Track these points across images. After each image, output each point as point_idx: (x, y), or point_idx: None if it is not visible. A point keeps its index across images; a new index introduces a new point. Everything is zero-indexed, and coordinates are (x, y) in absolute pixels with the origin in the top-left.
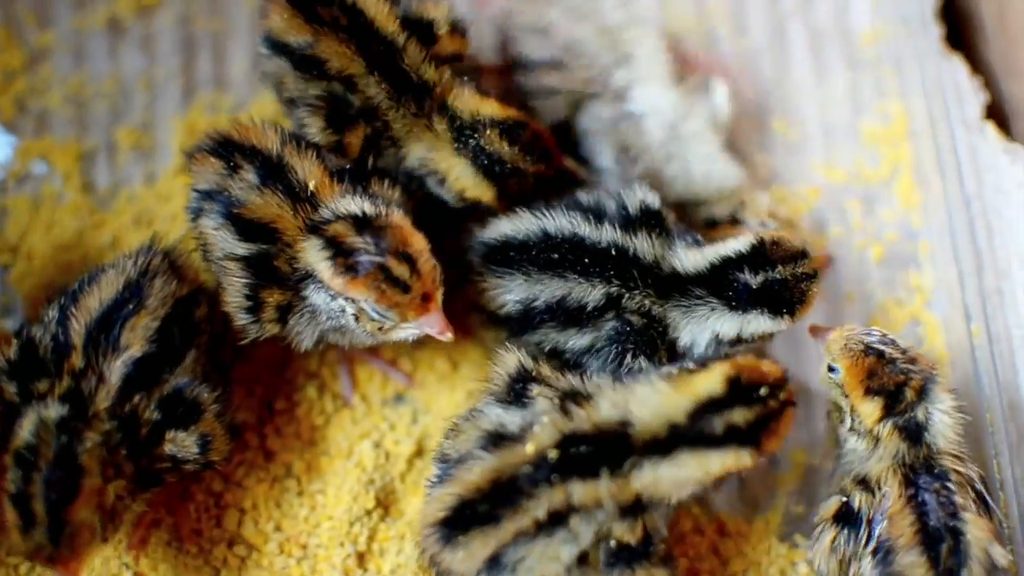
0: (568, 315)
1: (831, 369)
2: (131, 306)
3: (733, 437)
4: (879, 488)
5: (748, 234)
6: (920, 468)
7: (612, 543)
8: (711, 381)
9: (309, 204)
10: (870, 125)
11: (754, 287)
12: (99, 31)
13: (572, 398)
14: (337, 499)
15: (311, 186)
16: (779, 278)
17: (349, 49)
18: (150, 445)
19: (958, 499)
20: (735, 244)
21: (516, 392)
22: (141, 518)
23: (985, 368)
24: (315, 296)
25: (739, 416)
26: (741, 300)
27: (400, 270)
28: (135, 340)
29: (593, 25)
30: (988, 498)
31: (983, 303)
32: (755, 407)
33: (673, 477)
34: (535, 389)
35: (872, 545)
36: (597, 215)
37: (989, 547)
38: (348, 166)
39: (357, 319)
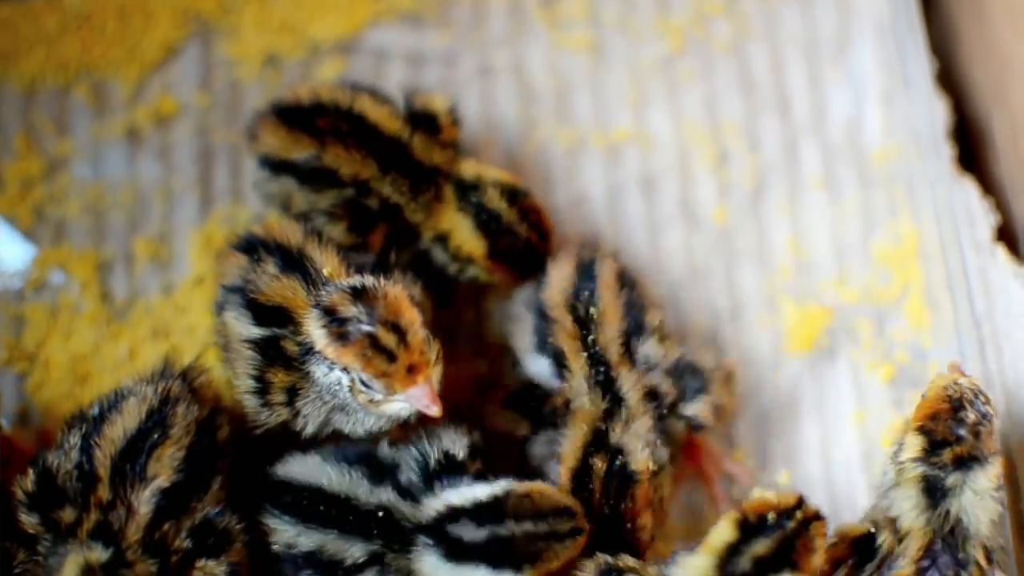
0: (324, 568)
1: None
2: (156, 436)
3: (766, 568)
4: (903, 540)
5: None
6: (947, 546)
7: None
8: (722, 531)
9: (323, 287)
10: (881, 244)
11: (468, 541)
12: (117, 140)
13: None
14: None
15: (326, 272)
16: (506, 534)
17: (359, 154)
18: (179, 573)
19: None
20: (471, 492)
21: None
22: None
23: None
24: (316, 369)
25: (761, 547)
26: (455, 552)
27: (387, 339)
28: (162, 470)
29: None
30: None
31: None
32: (773, 534)
33: None
34: None
35: None
36: (380, 475)
37: None
38: (369, 262)
39: (351, 390)
